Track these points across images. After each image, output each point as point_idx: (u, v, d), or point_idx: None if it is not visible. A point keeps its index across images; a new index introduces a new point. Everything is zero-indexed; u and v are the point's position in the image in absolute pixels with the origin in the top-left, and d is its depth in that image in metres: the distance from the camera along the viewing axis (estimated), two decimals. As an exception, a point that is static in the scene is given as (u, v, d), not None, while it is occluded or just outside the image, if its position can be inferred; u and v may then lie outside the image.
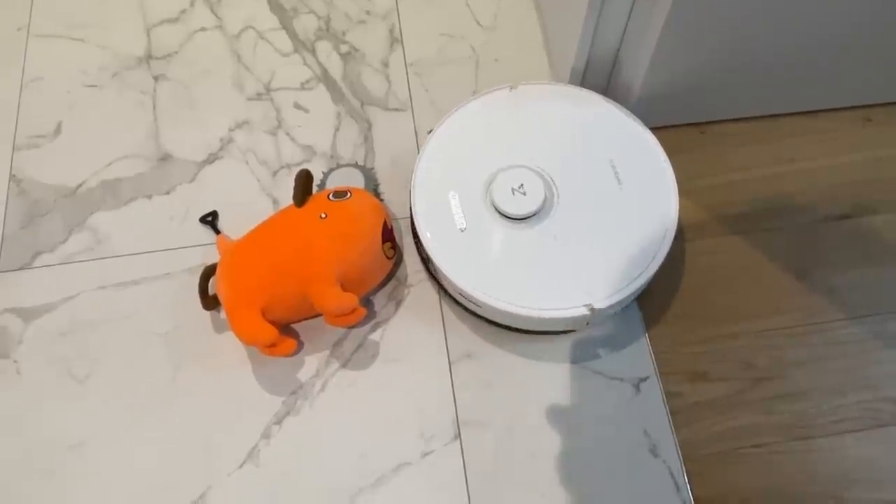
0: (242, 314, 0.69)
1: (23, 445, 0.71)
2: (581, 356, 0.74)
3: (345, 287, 0.69)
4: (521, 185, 0.71)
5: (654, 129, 0.79)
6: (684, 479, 0.69)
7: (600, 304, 0.68)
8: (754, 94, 0.84)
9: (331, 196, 0.72)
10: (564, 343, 0.74)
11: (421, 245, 0.73)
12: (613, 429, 0.72)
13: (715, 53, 0.76)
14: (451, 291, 0.74)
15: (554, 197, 0.73)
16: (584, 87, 0.83)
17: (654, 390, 0.73)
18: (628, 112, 0.77)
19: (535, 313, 0.68)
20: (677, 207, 0.72)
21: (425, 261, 0.76)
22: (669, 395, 0.73)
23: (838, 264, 0.80)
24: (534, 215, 0.71)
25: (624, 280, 0.69)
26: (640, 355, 0.74)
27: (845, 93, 0.86)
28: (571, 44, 0.78)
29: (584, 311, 0.67)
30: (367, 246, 0.71)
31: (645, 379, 0.73)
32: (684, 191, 0.74)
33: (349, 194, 0.73)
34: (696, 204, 0.81)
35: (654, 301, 0.76)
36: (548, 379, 0.73)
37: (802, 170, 0.85)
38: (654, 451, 0.70)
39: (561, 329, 0.74)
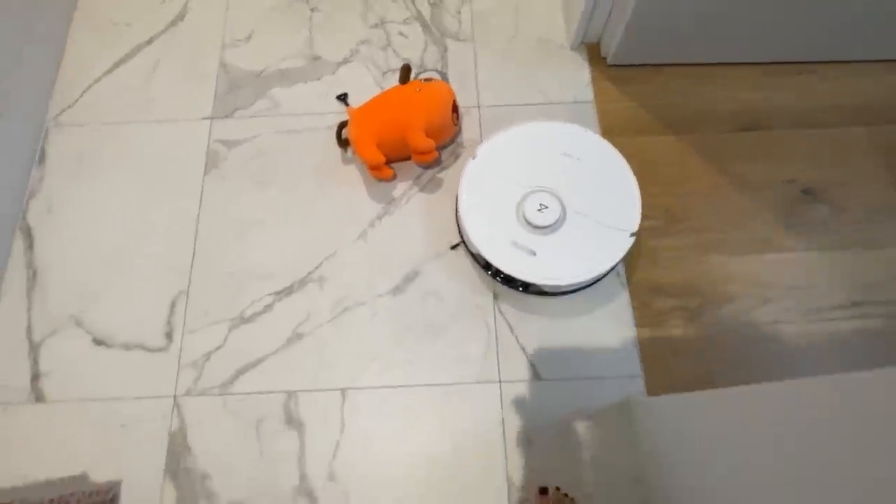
0: (365, 144, 0.91)
1: (227, 220, 0.94)
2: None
3: (427, 135, 0.90)
4: (545, 205, 0.83)
5: (628, 67, 0.97)
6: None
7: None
8: (691, 47, 0.99)
9: (422, 79, 0.95)
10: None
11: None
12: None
13: (668, 18, 0.91)
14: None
15: (565, 209, 0.85)
16: (586, 38, 1.00)
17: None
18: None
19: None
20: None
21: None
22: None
23: (739, 157, 0.97)
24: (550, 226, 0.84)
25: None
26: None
27: (748, 51, 1.00)
28: (578, 9, 0.98)
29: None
30: (443, 111, 0.92)
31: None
32: (643, 105, 0.92)
33: (433, 80, 0.95)
34: (649, 114, 0.99)
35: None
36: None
37: (719, 98, 1.01)
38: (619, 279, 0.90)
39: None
